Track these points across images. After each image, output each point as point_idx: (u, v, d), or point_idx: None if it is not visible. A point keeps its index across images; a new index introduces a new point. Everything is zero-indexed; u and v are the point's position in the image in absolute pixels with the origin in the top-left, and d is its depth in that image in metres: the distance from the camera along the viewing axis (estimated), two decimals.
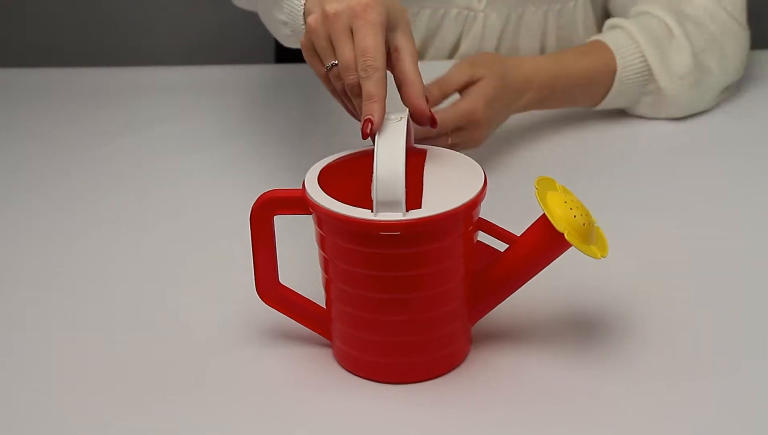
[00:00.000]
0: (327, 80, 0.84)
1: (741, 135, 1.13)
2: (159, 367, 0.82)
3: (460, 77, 1.02)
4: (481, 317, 0.83)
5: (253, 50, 1.65)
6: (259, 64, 1.35)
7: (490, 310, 0.82)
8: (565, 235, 0.75)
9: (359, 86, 0.79)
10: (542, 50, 1.25)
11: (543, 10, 1.23)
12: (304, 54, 0.84)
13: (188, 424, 0.77)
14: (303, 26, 0.87)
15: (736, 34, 1.16)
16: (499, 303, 0.82)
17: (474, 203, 0.77)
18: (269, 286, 0.83)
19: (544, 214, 0.76)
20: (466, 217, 0.77)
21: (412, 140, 0.83)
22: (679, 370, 0.81)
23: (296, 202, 0.79)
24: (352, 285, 0.78)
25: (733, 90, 1.18)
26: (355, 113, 0.82)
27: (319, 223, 0.78)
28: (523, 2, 1.22)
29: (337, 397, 0.80)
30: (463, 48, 1.25)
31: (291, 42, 0.95)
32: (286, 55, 1.42)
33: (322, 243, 0.79)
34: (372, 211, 0.75)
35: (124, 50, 1.92)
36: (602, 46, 1.12)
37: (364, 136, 0.77)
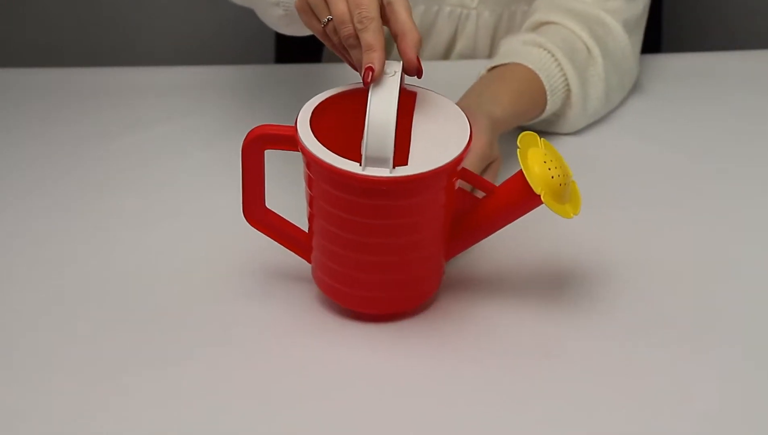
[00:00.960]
0: (325, 36, 0.85)
1: (740, 135, 1.14)
2: (160, 356, 0.83)
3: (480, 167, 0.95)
4: (454, 256, 0.87)
5: (253, 50, 1.66)
6: (259, 64, 1.35)
7: (462, 251, 0.87)
8: (541, 197, 0.78)
9: (355, 37, 0.81)
10: None
11: None
12: (300, 15, 0.86)
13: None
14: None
15: (632, 70, 1.17)
16: (472, 245, 0.86)
17: (459, 160, 0.79)
18: (256, 209, 0.87)
19: (521, 170, 0.79)
20: (449, 173, 0.80)
21: (403, 82, 0.84)
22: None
23: (287, 140, 0.82)
24: (333, 225, 0.82)
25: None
26: (355, 65, 0.83)
27: (308, 165, 0.81)
28: (515, 1, 1.22)
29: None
30: (459, 47, 1.26)
31: (283, 23, 0.96)
32: (286, 55, 1.43)
33: (309, 182, 0.82)
34: (360, 165, 0.77)
35: (124, 50, 1.92)
36: (538, 83, 1.07)
37: (366, 85, 0.79)
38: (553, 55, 1.08)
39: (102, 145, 1.14)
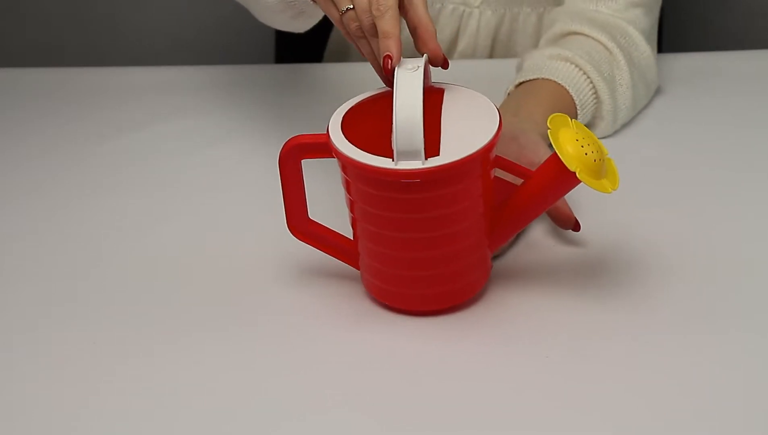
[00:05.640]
0: (341, 24, 0.86)
1: (740, 135, 1.14)
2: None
3: None
4: (499, 246, 0.87)
5: (253, 50, 1.66)
6: (259, 64, 1.35)
7: (507, 240, 0.87)
8: (577, 174, 0.78)
9: (375, 26, 0.82)
10: None
11: (538, 12, 1.23)
12: (319, 2, 0.87)
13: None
14: None
15: (655, 80, 1.17)
16: (516, 232, 0.87)
17: (490, 147, 0.80)
18: (299, 221, 0.88)
19: (555, 152, 0.79)
20: (483, 160, 0.80)
21: (430, 80, 0.85)
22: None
23: (321, 148, 0.83)
24: (376, 225, 0.83)
25: None
26: (368, 56, 0.85)
27: (344, 168, 0.82)
28: (518, 2, 1.22)
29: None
30: (461, 46, 1.26)
31: (282, 10, 0.96)
32: (286, 55, 1.43)
33: (347, 186, 0.83)
34: (393, 160, 0.78)
35: (124, 50, 1.92)
36: (568, 99, 1.07)
37: (386, 72, 0.81)
38: (581, 69, 1.08)
39: (102, 144, 1.14)
